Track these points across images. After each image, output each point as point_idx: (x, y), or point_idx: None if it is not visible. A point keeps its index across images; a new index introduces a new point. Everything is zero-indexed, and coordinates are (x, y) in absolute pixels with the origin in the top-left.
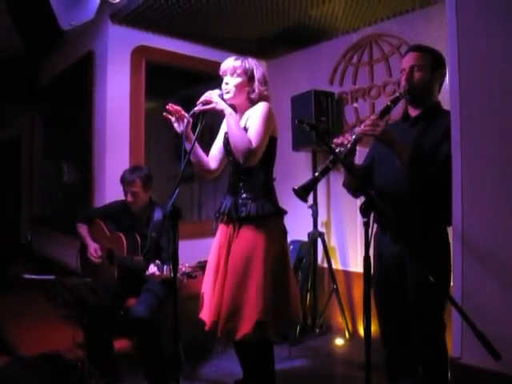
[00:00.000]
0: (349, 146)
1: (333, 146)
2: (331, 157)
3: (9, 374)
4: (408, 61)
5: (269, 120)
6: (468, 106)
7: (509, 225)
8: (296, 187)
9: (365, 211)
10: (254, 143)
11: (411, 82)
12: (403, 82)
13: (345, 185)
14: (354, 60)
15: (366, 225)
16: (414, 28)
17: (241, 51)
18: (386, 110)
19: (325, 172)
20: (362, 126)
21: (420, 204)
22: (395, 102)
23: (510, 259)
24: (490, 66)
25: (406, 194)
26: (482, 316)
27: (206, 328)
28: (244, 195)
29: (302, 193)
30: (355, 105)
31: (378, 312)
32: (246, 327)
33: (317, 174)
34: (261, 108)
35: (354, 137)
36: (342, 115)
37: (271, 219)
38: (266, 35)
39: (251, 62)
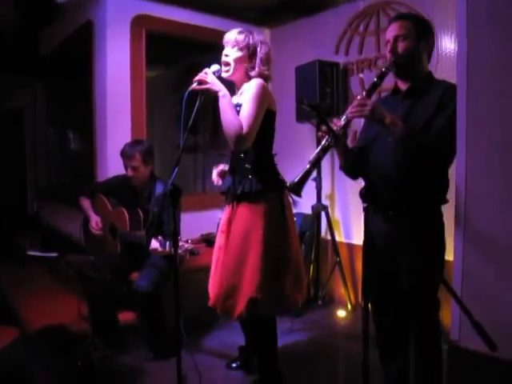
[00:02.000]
0: (338, 130)
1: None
2: (320, 146)
3: (16, 349)
4: (391, 31)
5: (262, 99)
6: (476, 81)
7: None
8: (288, 184)
9: (365, 196)
10: (245, 128)
11: (396, 53)
12: (388, 55)
13: (341, 168)
14: (361, 29)
15: (366, 210)
16: None
17: (244, 19)
18: (373, 88)
19: (316, 163)
20: (350, 109)
21: (413, 180)
22: (382, 77)
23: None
24: (503, 38)
25: (400, 170)
26: (482, 301)
27: (210, 303)
28: (241, 173)
29: (296, 189)
30: (361, 75)
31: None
32: (241, 305)
33: (308, 166)
34: (253, 87)
35: (342, 121)
36: (348, 86)
37: (269, 195)
38: (270, 2)
39: (256, 39)
